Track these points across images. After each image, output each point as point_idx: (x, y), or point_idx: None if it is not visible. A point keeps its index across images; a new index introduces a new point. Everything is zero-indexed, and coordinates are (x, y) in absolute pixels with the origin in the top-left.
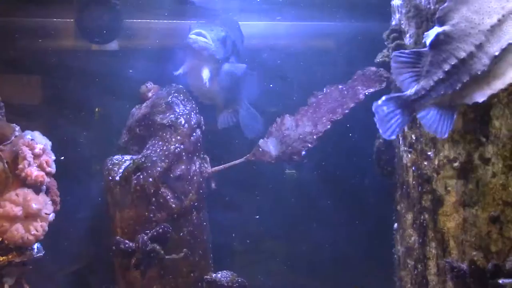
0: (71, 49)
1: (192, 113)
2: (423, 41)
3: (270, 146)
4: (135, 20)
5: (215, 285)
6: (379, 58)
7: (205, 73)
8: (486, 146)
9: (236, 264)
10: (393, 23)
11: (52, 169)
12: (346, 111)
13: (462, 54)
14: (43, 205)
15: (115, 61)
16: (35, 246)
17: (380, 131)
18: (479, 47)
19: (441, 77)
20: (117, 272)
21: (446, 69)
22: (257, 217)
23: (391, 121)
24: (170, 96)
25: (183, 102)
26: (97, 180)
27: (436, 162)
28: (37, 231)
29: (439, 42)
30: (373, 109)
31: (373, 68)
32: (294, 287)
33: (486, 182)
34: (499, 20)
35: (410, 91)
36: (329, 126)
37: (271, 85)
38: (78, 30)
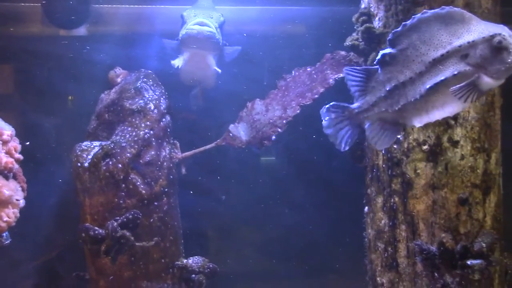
0: (38, 35)
1: (162, 98)
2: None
3: (240, 131)
4: (103, 5)
5: (186, 271)
6: (348, 42)
7: (212, 61)
8: (454, 128)
9: (206, 250)
10: (362, 6)
11: (20, 155)
12: (316, 96)
13: (403, 78)
14: (14, 191)
15: (83, 47)
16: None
17: (333, 142)
18: (419, 76)
19: (383, 95)
20: (87, 259)
21: (387, 89)
22: (226, 201)
23: (342, 132)
24: (139, 82)
25: (152, 88)
26: (66, 167)
27: (406, 145)
28: (9, 217)
29: (385, 63)
30: (321, 113)
31: (343, 52)
32: (265, 271)
33: (455, 164)
34: (442, 55)
35: (356, 104)
36: (298, 111)
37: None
38: (45, 15)
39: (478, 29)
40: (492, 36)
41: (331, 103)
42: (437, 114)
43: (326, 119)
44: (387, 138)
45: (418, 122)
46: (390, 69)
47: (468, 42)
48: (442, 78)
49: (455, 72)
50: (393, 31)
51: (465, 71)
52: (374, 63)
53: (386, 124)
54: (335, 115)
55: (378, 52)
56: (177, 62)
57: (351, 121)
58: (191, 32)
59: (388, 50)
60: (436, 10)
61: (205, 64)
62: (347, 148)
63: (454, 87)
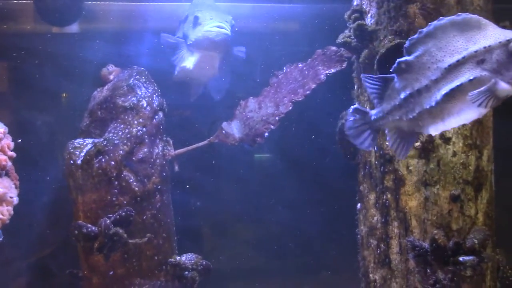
0: (30, 32)
1: (154, 95)
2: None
3: (233, 129)
4: (96, 2)
5: (179, 268)
6: (340, 39)
7: (219, 63)
8: None
9: (200, 247)
10: (355, 3)
11: (13, 153)
12: (307, 92)
13: (418, 86)
14: (8, 188)
15: (75, 44)
16: None
17: (355, 143)
18: (435, 82)
19: (397, 103)
20: (80, 257)
21: (402, 97)
22: (220, 199)
23: (364, 134)
24: (132, 79)
25: (145, 85)
26: (59, 164)
27: None
28: (3, 215)
29: (401, 70)
30: (347, 112)
31: (334, 48)
32: (258, 268)
33: (447, 161)
34: (457, 61)
35: (374, 111)
36: (290, 107)
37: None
38: (37, 12)
39: (494, 35)
40: (509, 41)
41: (354, 106)
42: (453, 122)
43: (350, 119)
44: (405, 147)
45: (434, 130)
46: (405, 76)
47: (484, 47)
48: (458, 83)
49: (471, 78)
50: (409, 38)
51: (481, 77)
52: (391, 70)
53: (402, 132)
54: (357, 118)
55: (370, 49)
56: (188, 64)
57: (371, 127)
58: (209, 35)
59: (404, 58)
60: (452, 16)
61: (213, 66)
62: (370, 148)
63: (472, 93)
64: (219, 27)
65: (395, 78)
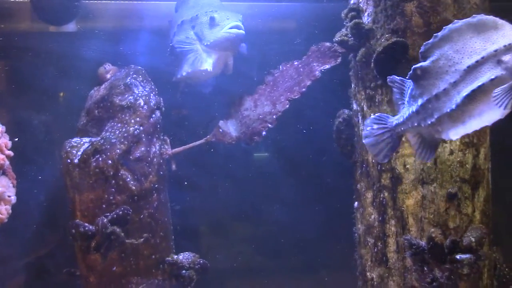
0: (27, 31)
1: (151, 94)
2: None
3: (230, 127)
4: (93, 1)
5: (176, 267)
6: (337, 37)
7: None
8: None
9: (197, 246)
10: (352, 1)
11: (10, 152)
12: (303, 89)
13: (436, 91)
14: (6, 187)
15: (73, 43)
16: None
17: (372, 153)
18: (454, 85)
19: (415, 110)
20: (77, 256)
21: (420, 103)
22: (218, 198)
23: (382, 144)
24: (129, 78)
25: (142, 83)
26: (56, 163)
27: None
28: (1, 214)
29: (417, 77)
30: (365, 123)
31: (328, 44)
32: (256, 266)
33: (444, 159)
34: (477, 62)
35: (396, 116)
36: (287, 106)
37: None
38: (34, 11)
39: None
40: None
41: (377, 114)
42: (474, 124)
43: (367, 129)
44: (428, 153)
45: (454, 134)
46: (422, 83)
47: (505, 46)
48: (479, 84)
49: (492, 77)
50: (424, 43)
51: (502, 76)
52: (407, 78)
53: (424, 138)
54: (378, 126)
55: (367, 47)
56: (206, 66)
57: (392, 133)
58: (230, 36)
59: (419, 64)
60: (467, 19)
61: (229, 64)
62: (385, 161)
63: (496, 91)
64: (237, 27)
65: (412, 85)
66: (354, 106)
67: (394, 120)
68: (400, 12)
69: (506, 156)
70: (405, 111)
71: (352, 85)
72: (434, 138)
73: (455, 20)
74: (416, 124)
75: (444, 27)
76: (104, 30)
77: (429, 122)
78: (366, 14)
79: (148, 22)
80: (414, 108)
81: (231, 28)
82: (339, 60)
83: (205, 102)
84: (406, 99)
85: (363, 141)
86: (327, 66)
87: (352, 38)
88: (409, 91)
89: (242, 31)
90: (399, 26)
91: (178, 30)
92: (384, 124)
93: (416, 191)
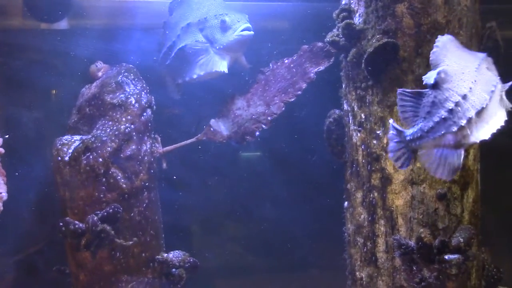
0: (19, 28)
1: (143, 92)
2: (423, 82)
3: (221, 126)
4: None
5: (166, 265)
6: (328, 38)
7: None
8: None
9: (187, 244)
10: (343, 2)
11: (1, 149)
12: (299, 92)
13: (462, 91)
14: None
15: (64, 40)
16: None
17: (391, 157)
18: (475, 83)
19: (442, 117)
20: (67, 253)
21: (449, 107)
22: (208, 196)
23: (400, 152)
24: (120, 76)
25: (133, 82)
26: (46, 161)
27: (385, 141)
28: None
29: (441, 81)
30: (388, 137)
31: (320, 44)
32: (246, 265)
33: None
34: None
35: (410, 131)
36: (283, 108)
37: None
38: (26, 8)
39: None
40: None
41: (393, 124)
42: (498, 122)
43: (389, 135)
44: (451, 165)
45: (484, 134)
46: (445, 86)
47: None
48: (495, 82)
49: None
50: (431, 52)
51: None
52: (428, 85)
53: (445, 149)
54: (394, 135)
55: (358, 48)
56: (222, 68)
57: (407, 146)
58: (242, 39)
59: (441, 67)
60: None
61: (238, 63)
62: (404, 168)
63: None
64: (248, 29)
65: (432, 93)
66: (345, 106)
67: (408, 135)
68: (391, 13)
69: (495, 157)
70: (426, 123)
71: (343, 85)
72: (457, 147)
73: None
74: (442, 133)
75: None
76: (96, 28)
77: (459, 126)
78: (357, 14)
79: (141, 20)
80: (440, 115)
81: (242, 30)
82: (332, 60)
83: (196, 101)
84: (426, 110)
85: (389, 155)
86: (321, 68)
87: (343, 39)
88: (428, 100)
89: (252, 32)
90: (390, 27)
91: (183, 33)
92: (399, 136)
93: (405, 191)
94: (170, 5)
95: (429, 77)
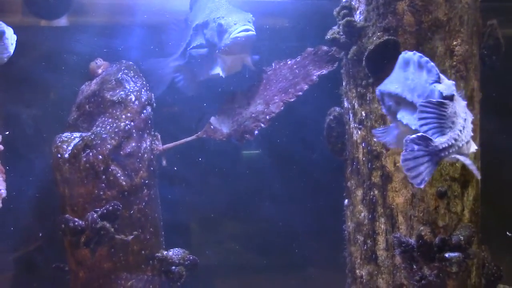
0: (18, 25)
1: (143, 90)
2: (444, 94)
3: (221, 124)
4: None
5: (166, 263)
6: (329, 35)
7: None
8: None
9: (187, 242)
10: None
11: (1, 146)
12: (300, 92)
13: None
14: None
15: (64, 37)
16: None
17: (410, 175)
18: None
19: (463, 125)
20: (66, 251)
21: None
22: (208, 194)
23: (421, 168)
24: (120, 73)
25: (133, 79)
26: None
27: None
28: None
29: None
30: (404, 142)
31: (325, 48)
32: (245, 263)
33: None
34: None
35: (440, 140)
36: (282, 108)
37: None
38: (25, 4)
39: None
40: None
41: (418, 134)
42: None
43: (408, 150)
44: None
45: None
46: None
47: None
48: None
49: None
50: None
51: None
52: (449, 96)
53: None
54: (419, 148)
55: (359, 45)
56: (218, 71)
57: (432, 158)
58: (239, 41)
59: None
60: None
61: (239, 66)
62: (422, 185)
63: None
64: (245, 30)
65: (451, 103)
66: (345, 104)
67: (440, 144)
68: (392, 10)
69: (495, 156)
70: (454, 132)
71: (344, 83)
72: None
73: None
74: (464, 142)
75: None
76: (96, 25)
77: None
78: (358, 12)
79: (141, 17)
80: (462, 124)
81: (239, 32)
82: (336, 64)
83: (196, 99)
84: (451, 119)
85: (402, 162)
86: (324, 71)
87: (344, 36)
88: (452, 110)
89: (251, 33)
90: (391, 25)
91: (194, 34)
92: (426, 146)
93: (406, 189)
94: (191, 1)
95: (449, 89)
